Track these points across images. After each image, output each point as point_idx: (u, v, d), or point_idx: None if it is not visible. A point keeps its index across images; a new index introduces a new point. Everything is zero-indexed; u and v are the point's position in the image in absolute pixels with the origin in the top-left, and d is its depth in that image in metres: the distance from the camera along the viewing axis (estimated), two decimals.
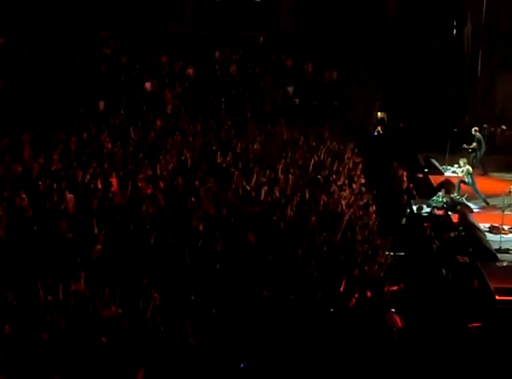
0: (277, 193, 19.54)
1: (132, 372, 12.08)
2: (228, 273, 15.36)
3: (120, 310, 13.75)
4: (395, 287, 16.15)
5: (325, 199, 19.27)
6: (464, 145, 25.65)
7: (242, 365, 12.78)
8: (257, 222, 17.75)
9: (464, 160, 23.28)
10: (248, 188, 19.83)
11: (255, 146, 23.54)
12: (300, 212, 18.62)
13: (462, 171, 22.85)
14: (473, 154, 25.36)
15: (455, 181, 23.07)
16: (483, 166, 25.38)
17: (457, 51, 31.69)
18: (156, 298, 14.10)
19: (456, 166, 23.36)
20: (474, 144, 25.45)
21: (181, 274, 15.20)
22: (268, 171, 21.11)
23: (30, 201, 18.25)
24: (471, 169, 23.02)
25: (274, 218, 17.97)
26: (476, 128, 25.87)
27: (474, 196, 22.73)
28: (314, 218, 18.05)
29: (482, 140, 25.80)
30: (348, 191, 20.31)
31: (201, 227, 17.21)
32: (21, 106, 26.82)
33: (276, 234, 17.23)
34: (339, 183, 20.86)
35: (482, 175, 24.93)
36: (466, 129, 27.50)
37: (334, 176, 21.43)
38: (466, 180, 22.77)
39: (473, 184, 22.82)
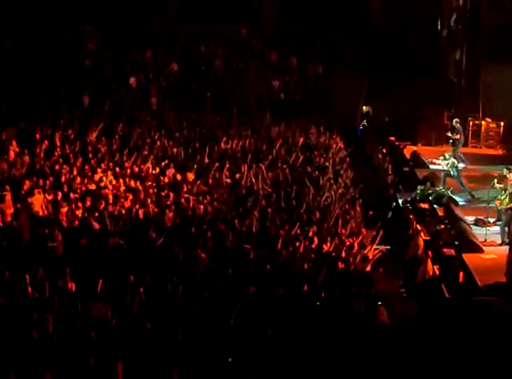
0: (267, 188, 19.58)
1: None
2: (215, 268, 15.37)
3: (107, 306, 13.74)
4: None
5: (313, 193, 19.29)
6: (448, 133, 25.68)
7: (230, 360, 12.79)
8: (242, 217, 17.78)
9: (450, 153, 23.27)
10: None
11: (240, 141, 23.53)
12: (288, 206, 18.65)
13: (447, 164, 22.82)
14: (454, 146, 25.34)
15: (440, 174, 23.10)
16: (460, 157, 25.30)
17: (441, 45, 31.77)
18: (141, 293, 14.09)
19: (441, 158, 23.32)
20: (456, 134, 25.44)
21: (169, 270, 15.20)
22: (253, 166, 21.13)
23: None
24: (456, 161, 23.03)
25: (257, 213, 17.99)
26: (457, 119, 25.80)
27: (459, 189, 22.77)
28: (302, 212, 18.07)
29: (462, 131, 25.76)
30: (334, 185, 20.32)
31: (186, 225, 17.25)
32: (5, 101, 26.70)
33: (262, 228, 17.25)
34: (326, 177, 20.87)
35: (463, 166, 24.94)
36: (451, 121, 27.58)
37: (321, 170, 21.44)
38: (451, 173, 22.78)
39: (459, 177, 22.85)
